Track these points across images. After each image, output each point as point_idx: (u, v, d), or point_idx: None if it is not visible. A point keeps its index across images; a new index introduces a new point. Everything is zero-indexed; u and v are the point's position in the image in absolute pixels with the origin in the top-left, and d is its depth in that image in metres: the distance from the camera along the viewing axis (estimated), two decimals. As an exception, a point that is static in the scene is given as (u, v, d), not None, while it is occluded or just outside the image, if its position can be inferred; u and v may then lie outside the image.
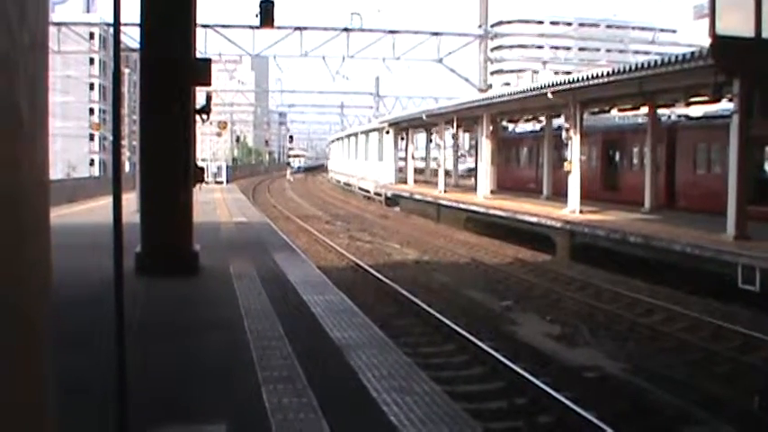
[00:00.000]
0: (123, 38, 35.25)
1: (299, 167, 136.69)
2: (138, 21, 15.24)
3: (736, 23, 18.32)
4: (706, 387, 11.87)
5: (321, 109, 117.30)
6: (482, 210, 35.73)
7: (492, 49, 60.36)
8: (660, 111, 32.76)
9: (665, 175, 30.70)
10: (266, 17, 26.88)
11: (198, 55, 17.77)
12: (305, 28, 46.89)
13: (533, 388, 11.04)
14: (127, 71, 47.37)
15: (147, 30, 15.28)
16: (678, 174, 30.66)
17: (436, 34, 48.11)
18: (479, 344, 13.47)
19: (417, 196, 47.84)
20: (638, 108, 35.37)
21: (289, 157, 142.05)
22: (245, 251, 19.14)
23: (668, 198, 30.61)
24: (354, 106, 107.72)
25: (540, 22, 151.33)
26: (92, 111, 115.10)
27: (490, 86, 51.07)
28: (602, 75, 26.21)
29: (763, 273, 17.50)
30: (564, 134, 30.76)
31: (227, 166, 79.96)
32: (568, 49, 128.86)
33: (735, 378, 12.48)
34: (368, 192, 64.46)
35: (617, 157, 36.04)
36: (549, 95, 29.88)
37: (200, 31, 35.99)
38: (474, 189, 43.50)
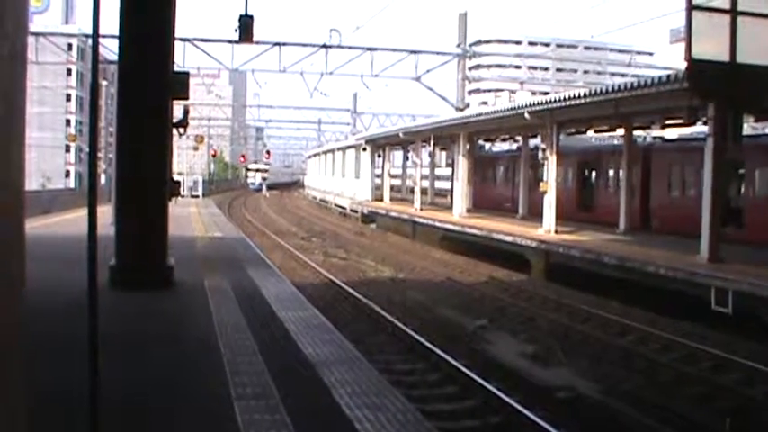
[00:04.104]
0: (101, 50, 35.09)
1: (260, 184, 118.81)
2: (116, 33, 15.20)
3: (712, 48, 18.51)
4: (678, 408, 11.92)
5: (298, 125, 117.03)
6: (458, 228, 35.79)
7: (470, 69, 60.56)
8: (636, 132, 32.99)
9: (640, 196, 30.90)
10: (245, 32, 26.79)
11: (176, 68, 17.72)
12: (284, 44, 46.90)
13: (506, 407, 11.04)
14: (104, 83, 47.17)
15: (126, 42, 15.24)
16: (653, 195, 30.86)
17: (414, 52, 48.24)
18: (453, 362, 13.46)
19: (393, 214, 47.89)
20: (614, 129, 35.58)
21: (247, 170, 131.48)
22: (219, 266, 19.07)
23: (643, 220, 30.79)
24: (332, 122, 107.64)
25: (519, 43, 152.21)
26: (68, 122, 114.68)
27: (467, 105, 51.30)
28: (579, 96, 26.37)
29: (735, 295, 17.64)
30: (540, 154, 30.90)
31: (203, 181, 79.75)
32: (546, 69, 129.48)
33: (707, 399, 12.55)
34: (344, 208, 64.47)
35: (592, 177, 36.26)
36: (526, 116, 30.01)
37: (178, 45, 35.91)
38: (450, 207, 43.58)
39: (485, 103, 79.57)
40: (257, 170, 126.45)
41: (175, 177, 18.70)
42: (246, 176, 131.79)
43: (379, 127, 79.50)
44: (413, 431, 7.07)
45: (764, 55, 18.63)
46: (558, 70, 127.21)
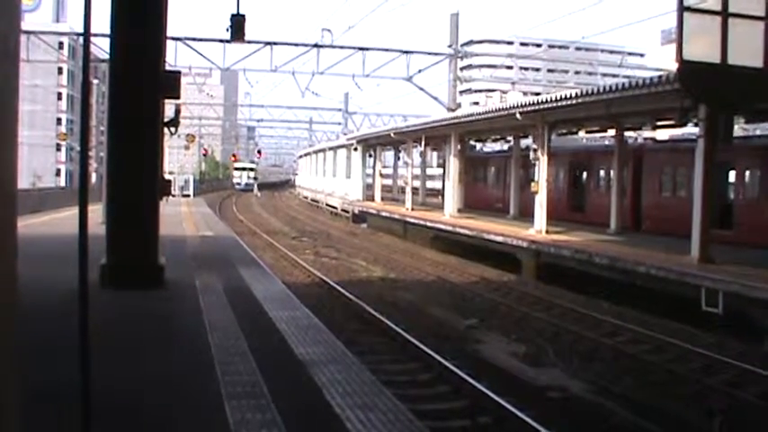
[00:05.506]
0: (93, 48, 35.01)
1: (246, 184, 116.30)
2: (108, 31, 15.15)
3: (703, 49, 18.53)
4: (669, 408, 11.95)
5: (290, 124, 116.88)
6: (449, 228, 35.80)
7: (461, 69, 60.50)
8: (627, 133, 33.04)
9: (631, 197, 30.95)
10: (237, 31, 26.78)
11: (168, 67, 17.69)
12: (275, 43, 46.86)
13: (497, 407, 11.04)
14: (96, 82, 47.07)
15: (117, 41, 15.18)
16: (644, 196, 30.92)
17: (406, 52, 48.21)
18: (444, 362, 13.46)
19: (384, 213, 47.87)
20: (605, 130, 35.63)
21: (234, 170, 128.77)
22: (210, 265, 19.03)
23: (634, 220, 30.85)
24: (323, 122, 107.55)
25: (510, 43, 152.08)
26: (59, 120, 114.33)
27: (459, 105, 51.28)
28: (571, 96, 26.39)
29: (726, 296, 17.69)
30: (531, 154, 30.92)
31: (194, 180, 79.57)
32: (537, 70, 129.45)
33: (697, 399, 12.57)
34: (335, 208, 64.44)
35: (583, 178, 36.30)
36: (518, 116, 30.02)
37: (170, 44, 35.92)
38: (441, 207, 43.59)
39: (476, 103, 79.48)
40: (244, 169, 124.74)
41: (166, 176, 18.65)
42: (233, 176, 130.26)
43: (370, 127, 79.47)
44: (404, 431, 7.06)
45: (755, 56, 18.66)
46: (550, 71, 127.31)
